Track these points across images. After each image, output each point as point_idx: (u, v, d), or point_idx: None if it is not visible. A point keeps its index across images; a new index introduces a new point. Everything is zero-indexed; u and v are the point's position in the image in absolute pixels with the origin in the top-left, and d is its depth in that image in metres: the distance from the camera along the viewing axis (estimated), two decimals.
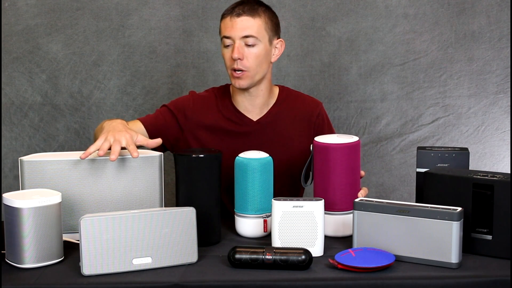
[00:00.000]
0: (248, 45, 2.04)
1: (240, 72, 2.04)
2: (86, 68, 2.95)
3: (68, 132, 2.97)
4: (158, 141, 1.83)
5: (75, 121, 2.96)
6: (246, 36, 2.03)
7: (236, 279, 1.47)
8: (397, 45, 2.97)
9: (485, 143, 3.01)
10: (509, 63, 2.96)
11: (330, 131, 2.22)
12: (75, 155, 1.75)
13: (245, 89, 2.10)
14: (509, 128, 2.99)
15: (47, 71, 2.94)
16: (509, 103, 2.98)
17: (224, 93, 2.18)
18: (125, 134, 1.78)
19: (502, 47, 2.96)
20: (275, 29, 2.10)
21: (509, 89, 2.98)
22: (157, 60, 2.96)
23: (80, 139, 2.97)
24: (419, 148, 1.88)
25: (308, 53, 2.98)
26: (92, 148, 1.72)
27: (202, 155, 1.70)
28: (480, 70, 2.98)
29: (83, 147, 2.94)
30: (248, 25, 2.03)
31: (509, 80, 2.97)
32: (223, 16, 2.08)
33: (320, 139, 1.77)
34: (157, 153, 1.79)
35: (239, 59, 2.03)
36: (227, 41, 2.05)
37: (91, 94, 2.96)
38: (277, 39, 2.12)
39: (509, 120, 2.99)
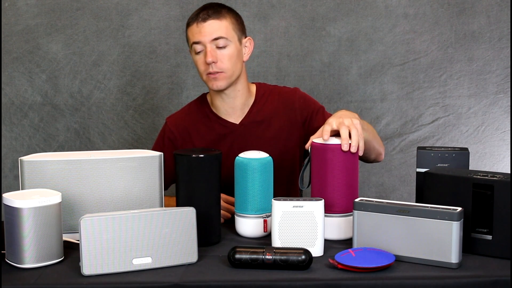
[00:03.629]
0: (219, 48, 2.04)
1: (216, 73, 2.04)
2: (86, 68, 2.95)
3: (68, 132, 2.97)
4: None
5: (75, 121, 2.97)
6: (216, 38, 2.03)
7: (236, 279, 1.47)
8: (397, 45, 2.98)
9: (485, 143, 3.01)
10: (509, 63, 2.96)
11: (317, 105, 2.19)
12: (75, 155, 1.76)
13: (222, 91, 2.09)
14: (509, 128, 2.99)
15: (47, 71, 2.94)
16: (509, 103, 2.98)
17: (201, 104, 2.18)
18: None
19: (502, 47, 2.96)
20: (242, 28, 2.12)
21: (509, 89, 2.98)
22: (157, 60, 2.96)
23: (80, 139, 2.97)
24: (419, 148, 1.88)
25: (308, 53, 2.98)
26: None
27: (202, 155, 1.70)
28: (480, 70, 2.98)
29: (83, 147, 2.95)
30: (216, 27, 2.04)
31: (509, 80, 2.97)
32: (188, 24, 2.09)
33: (319, 140, 1.77)
34: (157, 153, 1.79)
35: (214, 62, 2.03)
36: (198, 47, 2.05)
37: (91, 94, 2.96)
38: (245, 38, 2.13)
39: (509, 120, 2.99)
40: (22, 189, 1.69)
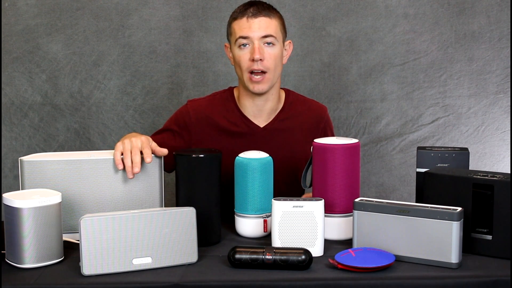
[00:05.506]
0: (267, 45, 2.01)
1: (259, 76, 2.01)
2: (86, 68, 2.95)
3: (68, 132, 2.97)
4: (164, 151, 1.78)
5: (75, 121, 2.97)
6: (266, 36, 2.00)
7: (236, 279, 1.47)
8: (397, 45, 2.98)
9: (485, 143, 3.01)
10: (509, 63, 2.96)
11: (333, 135, 2.24)
12: (75, 155, 1.76)
13: (259, 94, 2.06)
14: (509, 128, 2.99)
15: (47, 71, 2.94)
16: (509, 103, 2.98)
17: (228, 98, 2.14)
18: (141, 137, 1.78)
19: (502, 47, 2.96)
20: (285, 30, 2.10)
21: (509, 89, 2.98)
22: (157, 60, 2.96)
23: (80, 139, 2.97)
24: (419, 148, 1.88)
25: (308, 53, 2.98)
26: (117, 156, 1.72)
27: (202, 155, 1.70)
28: (480, 70, 2.98)
29: (83, 147, 2.95)
30: (266, 24, 2.00)
31: (509, 80, 2.97)
32: (235, 18, 2.03)
33: (319, 140, 1.78)
34: None
35: (260, 59, 1.99)
36: (244, 41, 2.00)
37: (91, 94, 2.96)
38: (287, 40, 2.12)
39: (509, 120, 2.99)
40: (22, 189, 1.69)
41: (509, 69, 2.96)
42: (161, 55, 2.96)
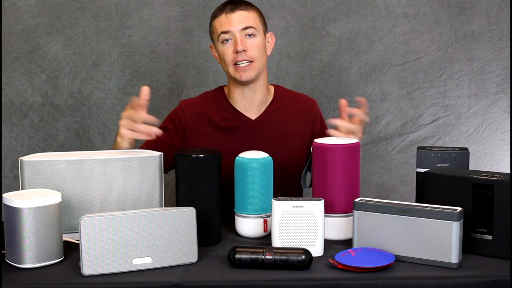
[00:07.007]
0: (248, 37, 2.06)
1: (245, 63, 2.05)
2: (86, 68, 2.95)
3: (68, 132, 2.97)
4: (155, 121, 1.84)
5: (75, 121, 2.96)
6: (246, 28, 2.05)
7: (236, 279, 1.47)
8: (397, 45, 2.98)
9: (485, 143, 3.01)
10: (509, 63, 2.96)
11: (324, 127, 2.26)
12: (75, 155, 1.76)
13: (245, 84, 2.10)
14: (509, 128, 2.99)
15: (47, 71, 2.94)
16: (509, 103, 2.98)
17: (219, 95, 2.19)
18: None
19: (502, 47, 2.96)
20: (265, 23, 2.15)
21: (509, 89, 2.98)
22: (157, 60, 2.96)
23: (80, 139, 2.97)
24: (419, 148, 1.88)
25: (308, 53, 2.98)
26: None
27: (202, 155, 1.70)
28: (480, 70, 2.98)
29: (83, 147, 2.95)
30: (245, 17, 2.06)
31: (509, 80, 2.97)
32: (215, 16, 2.10)
33: (319, 140, 1.78)
34: (157, 153, 1.79)
35: (244, 50, 2.04)
36: (226, 36, 2.06)
37: (91, 94, 2.96)
38: (268, 32, 2.17)
39: (509, 120, 2.99)
40: (22, 189, 1.69)
41: (509, 69, 2.96)
42: (161, 55, 2.96)
